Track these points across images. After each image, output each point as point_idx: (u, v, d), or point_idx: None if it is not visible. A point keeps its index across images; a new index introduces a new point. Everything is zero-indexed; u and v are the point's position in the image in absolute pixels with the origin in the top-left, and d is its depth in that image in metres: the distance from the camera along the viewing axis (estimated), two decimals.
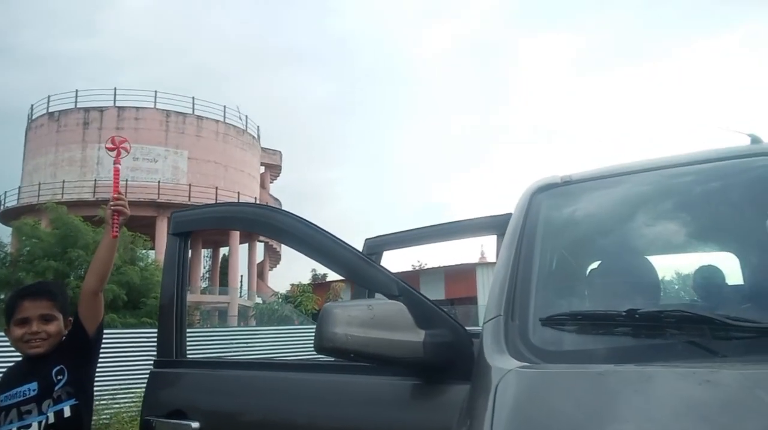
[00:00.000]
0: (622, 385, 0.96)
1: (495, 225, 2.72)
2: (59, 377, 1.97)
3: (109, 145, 2.27)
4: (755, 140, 1.72)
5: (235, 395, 1.81)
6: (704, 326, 1.07)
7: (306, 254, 1.76)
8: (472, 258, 26.40)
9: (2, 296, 13.47)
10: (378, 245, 3.25)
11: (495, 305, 1.34)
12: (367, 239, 3.31)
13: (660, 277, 1.74)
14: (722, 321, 1.04)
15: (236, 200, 28.26)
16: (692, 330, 1.08)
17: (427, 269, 30.03)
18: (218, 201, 27.53)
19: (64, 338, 2.05)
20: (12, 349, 2.07)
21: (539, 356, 1.15)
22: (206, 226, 2.07)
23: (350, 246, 1.70)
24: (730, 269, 1.95)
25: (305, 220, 1.78)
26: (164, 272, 2.11)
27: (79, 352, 2.03)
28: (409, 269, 31.49)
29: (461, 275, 26.26)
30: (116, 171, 2.27)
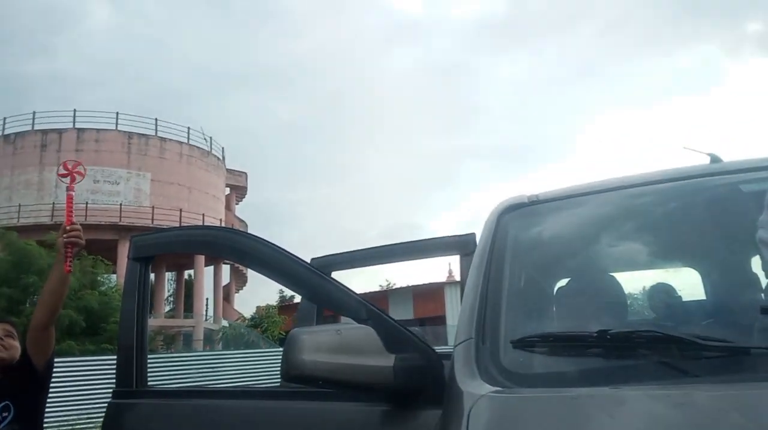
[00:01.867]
0: (596, 409, 0.95)
1: (456, 245, 2.69)
2: (5, 414, 1.88)
3: (62, 172, 2.16)
4: (714, 160, 1.76)
5: (199, 425, 1.74)
6: (676, 346, 1.06)
7: (271, 278, 1.72)
8: (440, 277, 26.46)
9: None
10: (325, 264, 3.08)
11: (465, 327, 1.32)
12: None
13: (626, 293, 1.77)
14: (693, 341, 1.03)
15: (201, 223, 27.86)
16: (664, 350, 1.07)
17: (396, 288, 29.99)
18: (182, 224, 27.08)
19: (10, 371, 1.97)
20: None
21: (511, 379, 1.14)
22: (168, 250, 2.01)
23: (317, 269, 1.67)
24: (691, 284, 1.99)
25: (270, 243, 1.74)
26: (124, 298, 2.03)
27: (26, 387, 1.94)
28: (378, 289, 31.44)
29: (430, 295, 26.28)
30: (69, 198, 2.13)
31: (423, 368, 1.40)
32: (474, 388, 1.11)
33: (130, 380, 1.88)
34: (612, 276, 1.67)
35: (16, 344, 2.02)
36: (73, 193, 2.14)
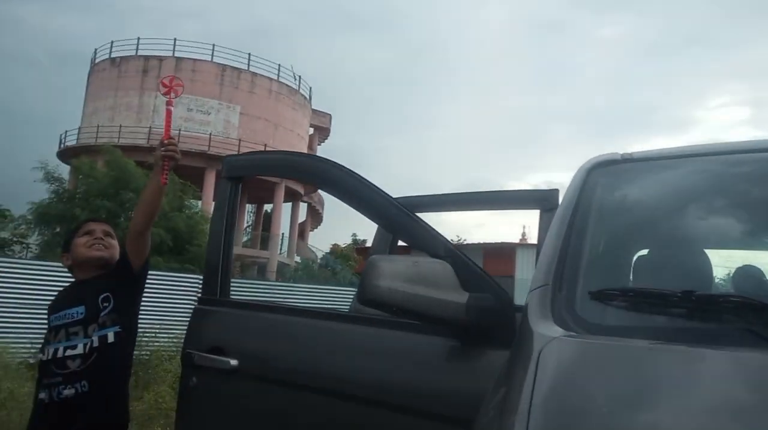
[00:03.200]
0: (672, 362, 0.93)
1: (538, 199, 2.63)
2: (105, 304, 2.05)
3: (163, 89, 2.21)
4: None
5: (274, 338, 1.85)
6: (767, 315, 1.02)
7: (356, 208, 1.76)
8: (513, 238, 26.07)
9: (58, 230, 14.04)
10: (408, 205, 3.04)
11: (543, 274, 1.32)
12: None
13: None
14: None
15: None
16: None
17: (467, 244, 29.88)
18: None
19: (112, 269, 2.14)
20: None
21: (585, 328, 1.13)
22: (259, 172, 2.08)
23: (400, 204, 1.70)
24: None
25: (357, 174, 1.79)
26: (214, 214, 2.14)
27: (124, 284, 2.11)
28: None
29: (500, 254, 26.00)
30: (168, 113, 2.18)
31: (495, 308, 1.41)
32: (546, 330, 1.11)
33: (215, 289, 2.01)
34: (702, 250, 1.59)
35: (116, 243, 2.19)
36: (172, 109, 2.19)
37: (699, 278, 1.48)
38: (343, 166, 1.81)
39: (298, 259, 31.20)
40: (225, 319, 2.00)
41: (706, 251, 1.61)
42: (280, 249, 31.91)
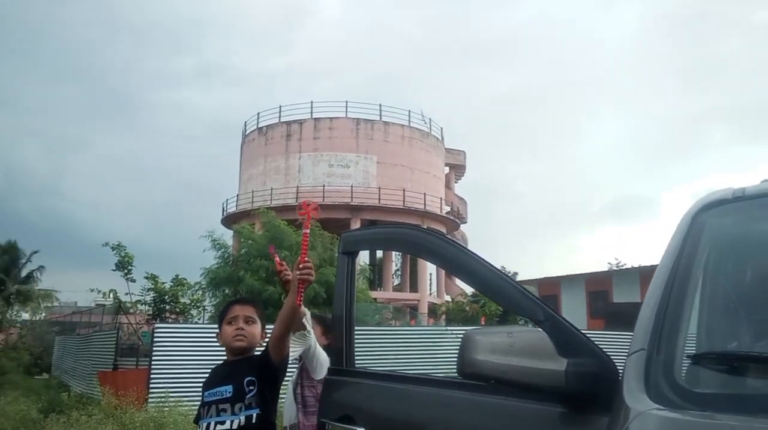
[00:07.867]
0: None
1: None
2: (250, 387, 2.29)
3: (302, 211, 2.36)
4: None
5: (396, 405, 1.95)
6: None
7: (457, 276, 1.85)
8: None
9: (227, 292, 15.46)
10: None
11: (641, 337, 1.30)
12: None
13: None
14: None
15: (422, 202, 29.32)
16: None
17: (622, 269, 28.05)
18: (405, 203, 28.74)
19: (257, 352, 2.39)
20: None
21: (681, 396, 1.10)
22: (372, 247, 2.25)
23: (500, 271, 1.75)
24: None
25: (458, 244, 1.89)
26: (336, 288, 2.32)
27: (266, 374, 2.34)
28: (605, 268, 29.73)
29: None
30: (305, 237, 2.29)
31: (596, 374, 1.40)
32: (637, 403, 1.10)
33: (341, 359, 2.18)
34: None
35: (256, 331, 2.42)
36: (308, 232, 2.32)
37: None
38: (446, 238, 1.92)
39: (448, 298, 31.25)
40: (351, 388, 2.14)
41: None
42: (429, 289, 32.21)
